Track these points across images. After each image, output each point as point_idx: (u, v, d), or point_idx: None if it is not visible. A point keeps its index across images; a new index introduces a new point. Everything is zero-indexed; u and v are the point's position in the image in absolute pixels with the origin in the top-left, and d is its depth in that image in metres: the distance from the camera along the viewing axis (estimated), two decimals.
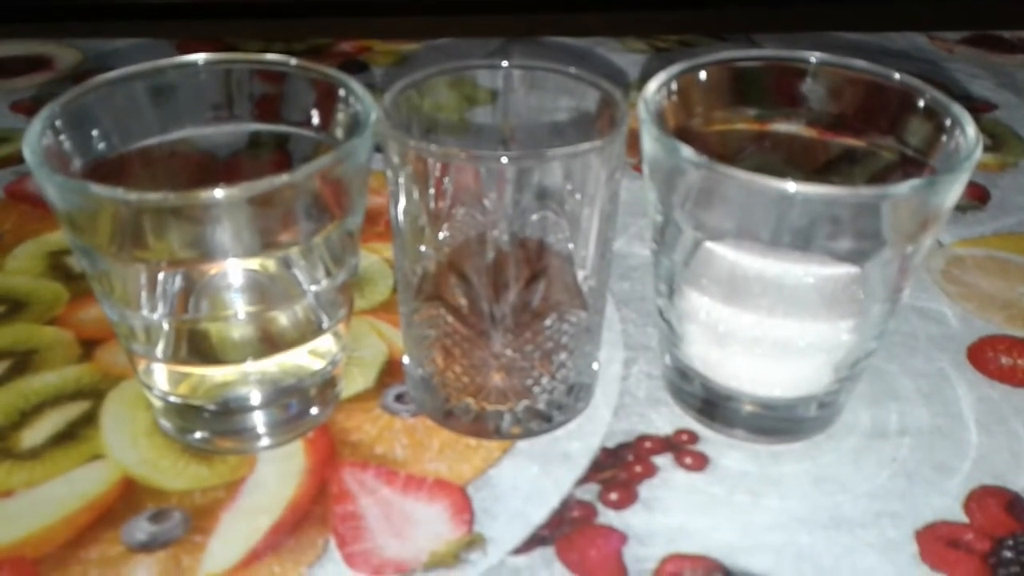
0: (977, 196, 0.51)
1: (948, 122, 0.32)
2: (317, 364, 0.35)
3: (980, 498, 0.33)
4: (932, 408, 0.37)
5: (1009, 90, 0.63)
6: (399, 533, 0.32)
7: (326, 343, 0.35)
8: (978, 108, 0.61)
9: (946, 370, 0.39)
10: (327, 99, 0.34)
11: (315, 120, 0.35)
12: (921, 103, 0.34)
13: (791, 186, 0.29)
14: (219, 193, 0.28)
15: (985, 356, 0.40)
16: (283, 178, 0.29)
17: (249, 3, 0.92)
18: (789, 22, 0.75)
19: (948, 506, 0.33)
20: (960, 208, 0.50)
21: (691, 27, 0.72)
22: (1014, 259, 0.46)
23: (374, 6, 0.89)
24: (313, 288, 0.33)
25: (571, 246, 0.33)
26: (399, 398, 0.37)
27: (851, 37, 0.70)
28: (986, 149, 0.56)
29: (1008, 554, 0.31)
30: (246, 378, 0.34)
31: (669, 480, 0.34)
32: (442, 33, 0.70)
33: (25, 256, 0.45)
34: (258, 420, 0.35)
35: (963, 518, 0.33)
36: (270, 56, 0.35)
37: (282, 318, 0.34)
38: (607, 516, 0.32)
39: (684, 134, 0.35)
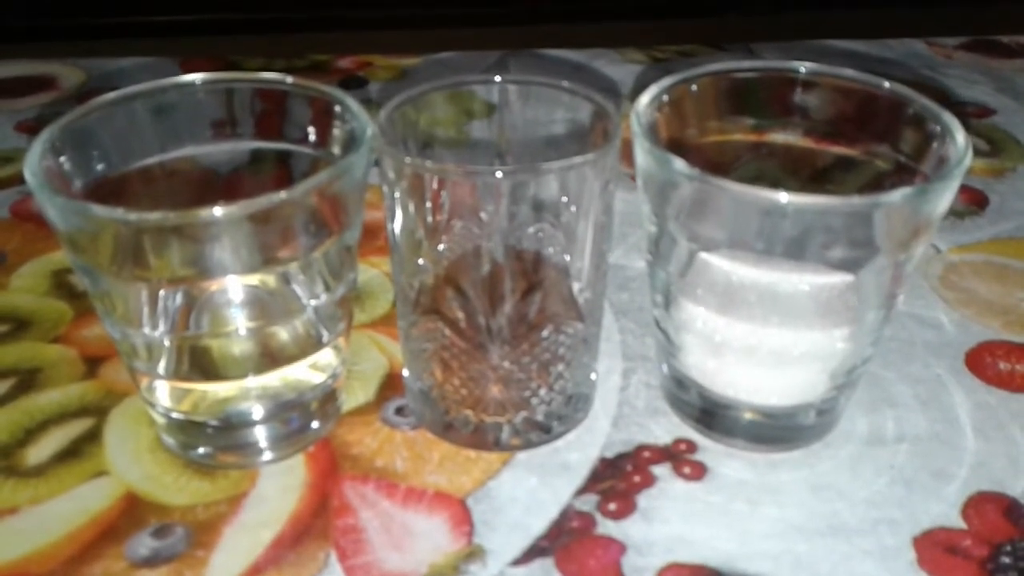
0: (975, 201, 0.52)
1: (938, 129, 0.33)
2: (318, 378, 0.35)
3: (978, 504, 0.33)
4: (930, 414, 0.37)
5: (1007, 95, 0.63)
6: (399, 546, 0.32)
7: (326, 357, 0.35)
8: (976, 113, 0.61)
9: (943, 376, 0.39)
10: (324, 116, 0.35)
11: (312, 137, 0.36)
12: (911, 111, 0.34)
13: (783, 197, 0.29)
14: (218, 211, 0.28)
15: (983, 362, 0.40)
16: (280, 195, 0.29)
17: (251, 20, 0.93)
18: (788, 30, 0.75)
19: (946, 512, 0.33)
20: (958, 214, 0.50)
21: (690, 37, 0.72)
22: (1012, 264, 0.46)
23: (374, 21, 0.90)
24: (312, 303, 0.34)
25: (567, 258, 0.34)
26: (399, 411, 0.37)
27: (849, 45, 0.70)
28: (984, 154, 0.56)
29: (1006, 560, 0.32)
30: (248, 393, 0.35)
31: (668, 490, 0.34)
32: (442, 47, 0.70)
33: (30, 275, 0.46)
34: (260, 435, 0.35)
35: (961, 524, 0.33)
36: (267, 75, 0.36)
37: (282, 333, 0.35)
38: (606, 526, 0.33)
39: (679, 145, 0.35)
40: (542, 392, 0.35)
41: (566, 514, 0.33)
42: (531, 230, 0.33)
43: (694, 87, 0.36)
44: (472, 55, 0.69)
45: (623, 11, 0.94)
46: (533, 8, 0.99)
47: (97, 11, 0.92)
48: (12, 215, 0.50)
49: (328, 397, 0.36)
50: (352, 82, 0.65)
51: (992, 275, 0.46)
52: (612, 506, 0.33)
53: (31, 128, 0.58)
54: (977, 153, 0.56)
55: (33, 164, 0.30)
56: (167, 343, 0.33)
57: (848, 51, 0.70)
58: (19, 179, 0.53)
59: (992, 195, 0.52)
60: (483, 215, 0.32)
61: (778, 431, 0.36)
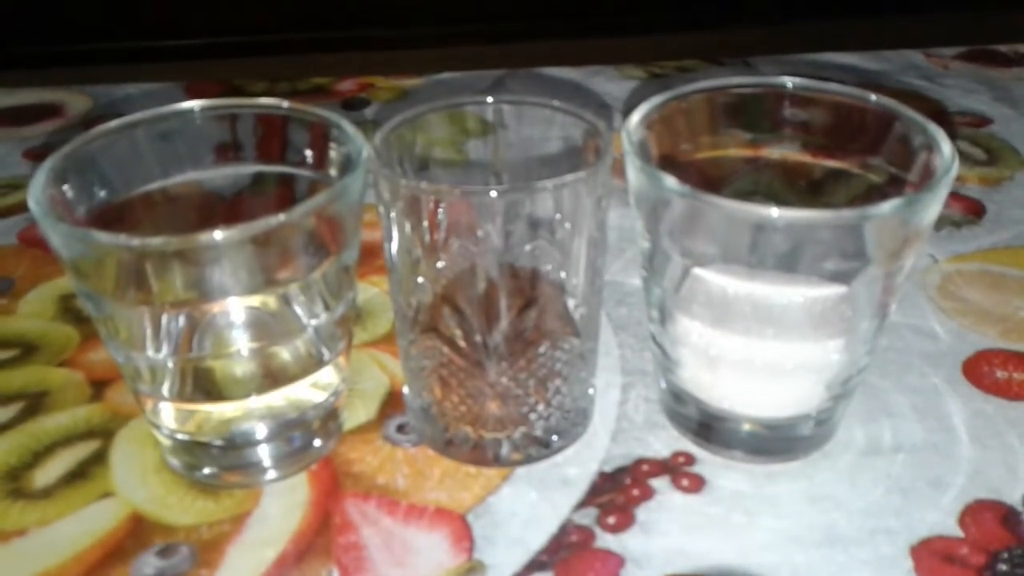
0: (972, 211, 0.52)
1: (925, 141, 0.33)
2: (319, 396, 0.36)
3: (975, 512, 0.34)
4: (927, 424, 0.37)
5: (1005, 104, 0.64)
6: (400, 562, 0.32)
7: (327, 375, 0.36)
8: (974, 123, 0.61)
9: (940, 386, 0.39)
10: (321, 139, 0.35)
11: (310, 160, 0.36)
12: (898, 123, 0.34)
13: (773, 212, 0.29)
14: (218, 234, 0.29)
15: (980, 370, 0.40)
16: (279, 219, 0.30)
17: (255, 43, 0.94)
18: (786, 43, 0.75)
19: (943, 521, 0.33)
20: (955, 223, 0.51)
21: (688, 52, 0.73)
22: (1009, 273, 0.47)
23: (376, 41, 0.91)
24: (313, 322, 0.34)
25: (562, 274, 0.34)
26: (400, 428, 0.38)
27: (847, 58, 0.71)
28: (982, 163, 0.56)
29: (1003, 567, 0.32)
30: (251, 413, 0.35)
31: (666, 502, 0.34)
32: (444, 66, 0.71)
33: (37, 300, 0.46)
34: (263, 454, 0.36)
35: (958, 533, 0.33)
36: (264, 100, 0.36)
37: (284, 353, 0.35)
38: (605, 540, 0.33)
39: (672, 161, 0.36)
40: (540, 408, 0.35)
41: (565, 528, 0.33)
42: (527, 248, 0.34)
43: (685, 104, 0.36)
44: (472, 75, 0.69)
45: (622, 28, 0.95)
46: (533, 26, 1.00)
47: (103, 37, 0.93)
48: (20, 241, 0.51)
49: (330, 415, 0.37)
50: (355, 103, 0.65)
51: (989, 284, 0.46)
52: (611, 519, 0.34)
53: (38, 155, 0.59)
54: (974, 162, 0.56)
55: (37, 192, 0.31)
56: (170, 365, 0.34)
57: (846, 63, 0.70)
58: (27, 206, 0.53)
59: (989, 204, 0.52)
60: (479, 233, 0.33)
61: (776, 442, 0.36)
